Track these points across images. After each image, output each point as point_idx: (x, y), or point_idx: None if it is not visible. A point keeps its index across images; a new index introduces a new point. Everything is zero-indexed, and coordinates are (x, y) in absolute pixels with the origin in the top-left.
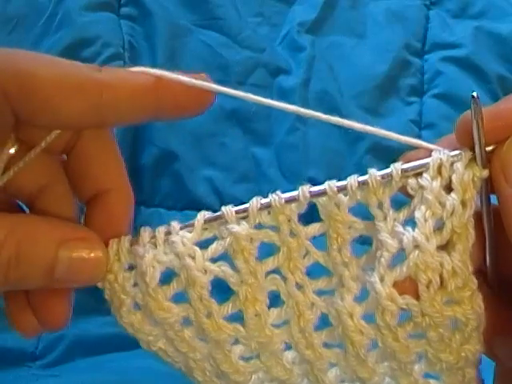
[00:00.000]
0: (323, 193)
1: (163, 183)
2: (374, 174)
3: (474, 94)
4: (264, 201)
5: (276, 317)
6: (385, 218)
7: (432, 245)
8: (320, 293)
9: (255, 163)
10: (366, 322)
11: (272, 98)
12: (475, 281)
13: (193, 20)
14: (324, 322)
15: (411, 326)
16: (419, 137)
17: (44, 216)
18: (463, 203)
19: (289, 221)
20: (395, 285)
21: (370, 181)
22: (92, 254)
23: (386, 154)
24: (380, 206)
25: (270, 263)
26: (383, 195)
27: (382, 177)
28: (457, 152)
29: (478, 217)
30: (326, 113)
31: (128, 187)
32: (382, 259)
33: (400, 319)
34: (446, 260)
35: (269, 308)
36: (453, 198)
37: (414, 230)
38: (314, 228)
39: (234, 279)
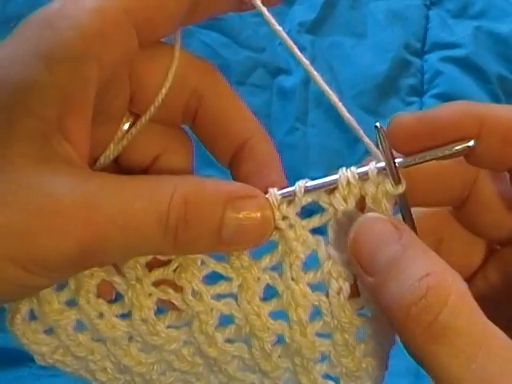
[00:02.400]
0: None
1: None
2: (275, 193)
3: (378, 124)
4: None
5: (174, 320)
6: (292, 226)
7: (346, 257)
8: (218, 296)
9: None
10: (273, 318)
11: (272, 98)
12: None
13: None
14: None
15: (320, 325)
16: None
17: (206, 177)
18: None
19: None
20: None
21: (271, 199)
22: (259, 214)
23: None
24: (285, 218)
25: (159, 274)
26: (287, 210)
27: (284, 195)
28: (365, 168)
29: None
30: (325, 113)
31: (263, 129)
32: (294, 266)
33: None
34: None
35: (164, 312)
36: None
37: (327, 244)
38: None
39: (121, 284)
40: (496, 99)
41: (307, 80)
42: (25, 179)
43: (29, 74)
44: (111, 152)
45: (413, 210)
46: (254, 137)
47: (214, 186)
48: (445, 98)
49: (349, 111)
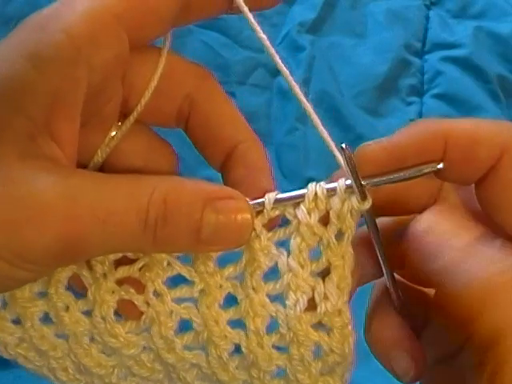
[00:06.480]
0: None
1: None
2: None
3: (343, 145)
4: None
5: (134, 328)
6: (257, 237)
7: (306, 271)
8: (179, 300)
9: None
10: (231, 327)
11: (272, 98)
12: (349, 315)
13: None
14: (185, 326)
15: (277, 337)
16: None
17: (187, 177)
18: (340, 234)
19: None
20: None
21: None
22: (239, 216)
23: None
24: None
25: (124, 272)
26: (255, 221)
27: (254, 206)
28: (334, 184)
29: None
30: (325, 113)
31: (256, 135)
32: (255, 275)
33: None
34: (318, 284)
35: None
36: (328, 231)
37: (288, 256)
38: None
39: (88, 278)
40: (496, 99)
41: (307, 80)
42: (9, 175)
43: (16, 74)
44: (99, 157)
45: (378, 219)
46: (245, 142)
47: (193, 185)
48: (445, 98)
49: (349, 111)
